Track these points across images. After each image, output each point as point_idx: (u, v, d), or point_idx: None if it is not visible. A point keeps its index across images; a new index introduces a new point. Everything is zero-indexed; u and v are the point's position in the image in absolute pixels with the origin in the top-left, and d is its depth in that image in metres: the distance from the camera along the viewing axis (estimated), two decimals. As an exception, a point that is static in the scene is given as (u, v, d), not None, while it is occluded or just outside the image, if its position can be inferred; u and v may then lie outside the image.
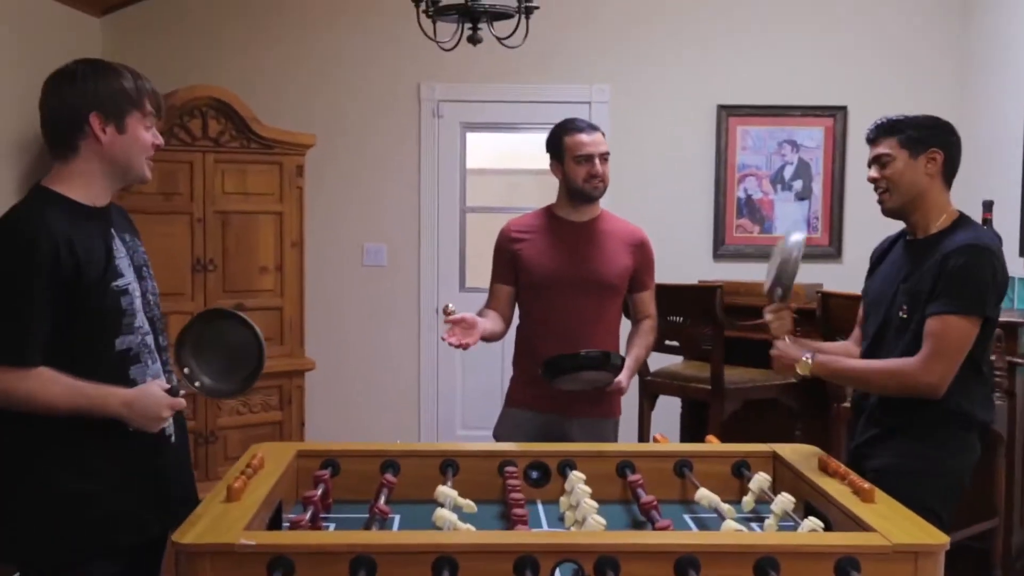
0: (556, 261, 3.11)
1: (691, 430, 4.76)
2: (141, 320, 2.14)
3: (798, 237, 2.67)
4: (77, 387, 2.00)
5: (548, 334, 3.09)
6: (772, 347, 2.70)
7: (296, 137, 4.97)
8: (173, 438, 2.21)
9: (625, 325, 3.31)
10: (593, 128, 3.15)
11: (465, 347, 2.89)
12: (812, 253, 5.42)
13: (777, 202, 5.52)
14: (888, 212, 2.63)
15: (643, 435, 4.38)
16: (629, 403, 4.73)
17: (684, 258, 5.38)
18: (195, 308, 4.78)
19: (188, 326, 2.16)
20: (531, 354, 3.12)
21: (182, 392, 2.11)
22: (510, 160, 6.08)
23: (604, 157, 3.12)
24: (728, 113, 5.44)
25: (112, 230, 2.13)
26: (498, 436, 3.18)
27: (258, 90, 5.22)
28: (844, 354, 2.75)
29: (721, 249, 5.50)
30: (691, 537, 1.99)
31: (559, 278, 3.10)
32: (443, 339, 2.91)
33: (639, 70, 5.46)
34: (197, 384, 2.14)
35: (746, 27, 5.44)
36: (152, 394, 2.06)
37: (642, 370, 4.44)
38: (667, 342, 4.36)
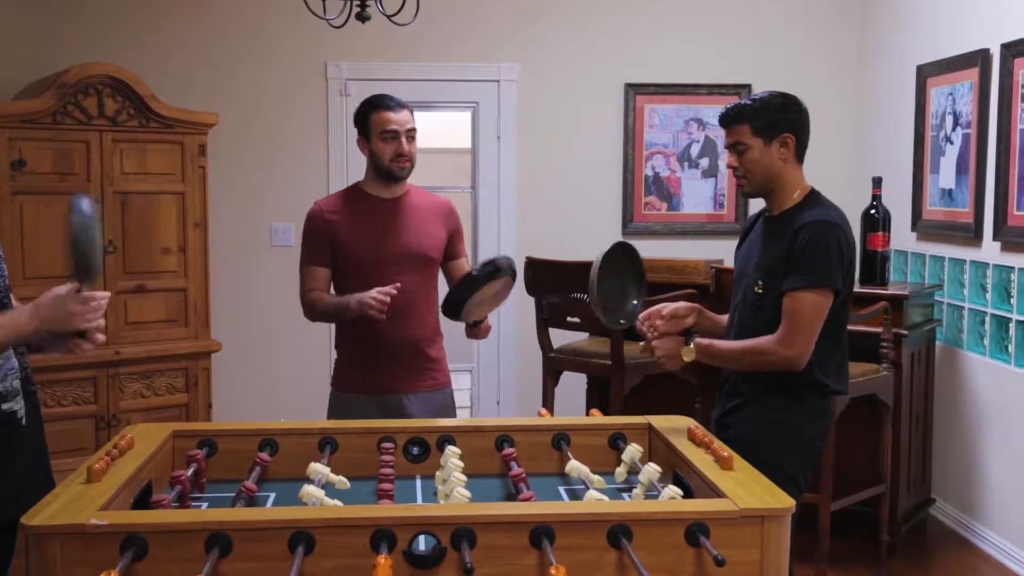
0: (373, 239, 3.11)
1: (596, 405, 4.80)
2: None
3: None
4: None
5: None
6: (646, 346, 2.70)
7: (197, 116, 4.89)
8: (24, 420, 2.18)
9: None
10: (401, 106, 3.11)
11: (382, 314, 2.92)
12: (718, 230, 5.56)
13: (684, 179, 5.59)
14: (748, 195, 2.73)
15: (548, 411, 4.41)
16: (533, 380, 4.81)
17: (593, 236, 5.40)
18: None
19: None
20: (358, 335, 3.11)
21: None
22: (421, 139, 6.06)
23: (410, 134, 3.10)
24: (635, 91, 5.49)
25: None
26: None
27: (160, 69, 5.13)
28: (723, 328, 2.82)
29: (630, 227, 5.56)
30: (545, 507, 2.02)
31: (378, 256, 3.09)
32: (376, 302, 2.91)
33: (547, 49, 5.48)
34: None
35: (653, 5, 5.50)
36: (55, 295, 2.03)
37: (545, 346, 4.48)
38: (569, 319, 4.40)
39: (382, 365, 3.09)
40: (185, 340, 4.93)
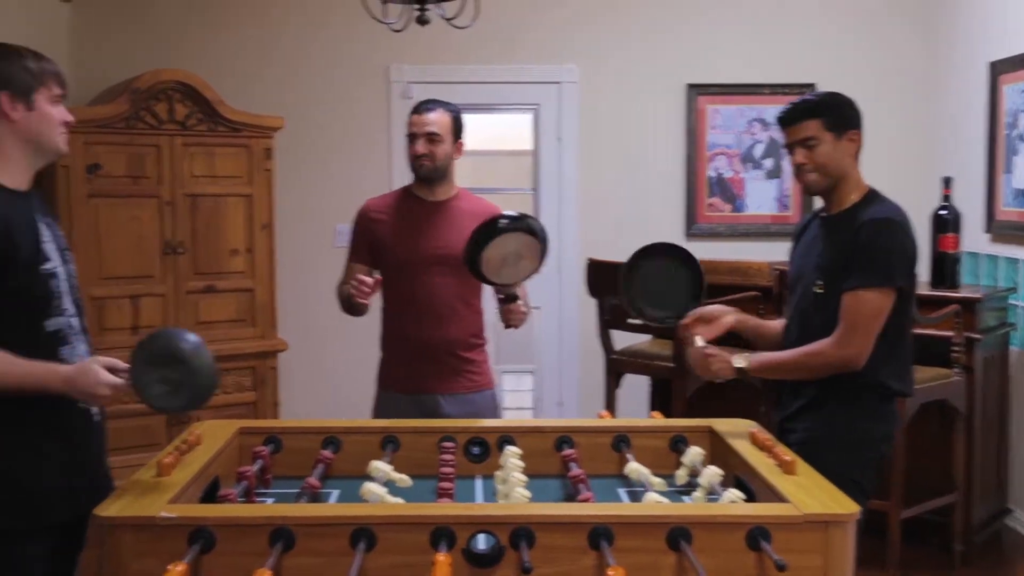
0: (414, 240, 3.12)
1: (659, 407, 4.78)
2: (68, 303, 2.18)
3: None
4: (16, 364, 2.03)
5: (411, 313, 3.12)
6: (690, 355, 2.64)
7: (263, 120, 4.98)
8: (96, 417, 2.25)
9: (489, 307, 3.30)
10: (430, 108, 3.14)
11: (363, 300, 2.94)
12: (783, 231, 5.48)
13: (748, 180, 5.53)
14: (813, 192, 2.66)
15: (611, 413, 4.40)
16: (595, 382, 4.80)
17: (656, 238, 5.26)
18: (165, 291, 4.82)
19: (143, 343, 2.10)
20: (398, 336, 3.17)
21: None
22: (482, 141, 6.09)
23: (430, 137, 3.11)
24: (697, 92, 5.45)
25: (36, 214, 2.16)
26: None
27: (227, 74, 5.23)
28: (772, 333, 2.78)
29: (693, 228, 5.52)
30: (604, 508, 2.02)
31: (418, 257, 3.10)
32: (353, 290, 2.94)
33: (608, 50, 5.47)
34: (146, 395, 2.06)
35: (715, 5, 5.45)
36: (90, 371, 2.06)
37: (607, 347, 4.48)
38: (631, 320, 4.37)
39: (418, 365, 3.12)
40: (252, 340, 5.01)
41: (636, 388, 4.84)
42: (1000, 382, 4.43)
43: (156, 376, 2.06)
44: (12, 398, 2.04)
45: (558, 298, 5.47)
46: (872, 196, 2.62)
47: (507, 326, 3.05)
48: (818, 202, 5.50)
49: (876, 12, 5.45)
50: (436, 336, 3.11)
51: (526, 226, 2.75)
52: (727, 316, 2.66)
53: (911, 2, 5.43)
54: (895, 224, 2.51)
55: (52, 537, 2.15)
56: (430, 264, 3.10)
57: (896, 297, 2.49)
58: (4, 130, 2.10)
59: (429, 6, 3.41)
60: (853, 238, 2.50)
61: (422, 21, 3.43)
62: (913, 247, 2.54)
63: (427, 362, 3.12)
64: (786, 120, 2.62)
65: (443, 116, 3.14)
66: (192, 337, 2.12)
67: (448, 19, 3.52)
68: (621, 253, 4.60)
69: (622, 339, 4.53)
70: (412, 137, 3.13)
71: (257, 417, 4.97)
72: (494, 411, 3.26)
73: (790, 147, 2.63)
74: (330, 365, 5.52)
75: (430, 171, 3.13)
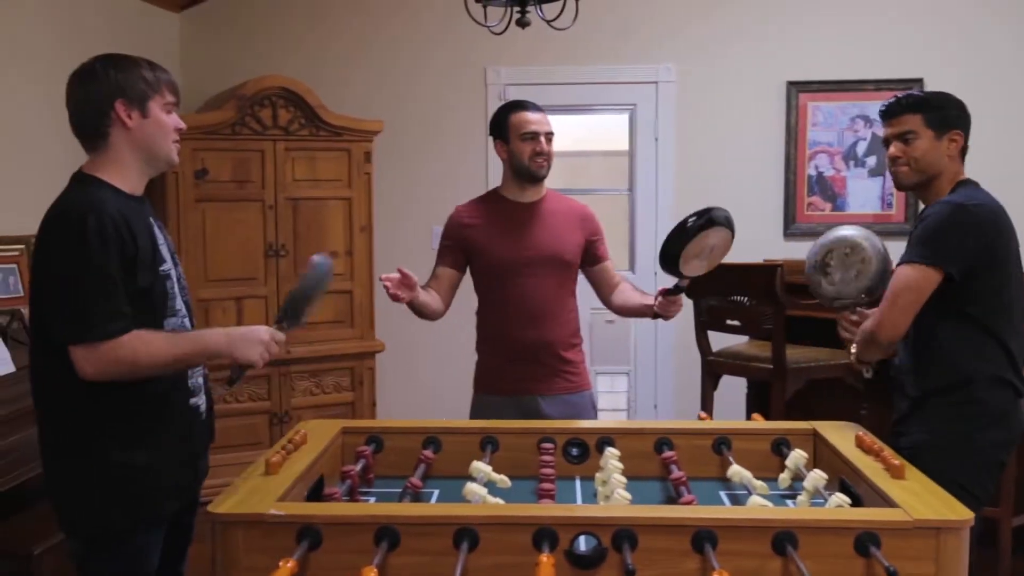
0: (509, 243, 3.11)
1: (756, 410, 4.70)
2: (180, 303, 2.25)
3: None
4: (175, 340, 2.13)
5: (510, 316, 3.11)
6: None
7: (363, 124, 5.07)
8: (204, 415, 2.32)
9: (584, 304, 3.32)
10: (538, 108, 3.15)
11: (396, 298, 2.94)
12: (887, 230, 5.32)
13: (850, 179, 5.41)
14: (902, 187, 2.62)
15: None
16: (690, 383, 4.75)
17: (754, 237, 5.29)
18: (268, 292, 4.94)
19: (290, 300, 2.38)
20: (496, 338, 3.17)
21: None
22: (579, 142, 6.09)
23: (549, 136, 3.11)
24: (798, 89, 5.35)
25: (150, 219, 2.24)
26: None
27: (326, 79, 5.34)
28: None
29: (792, 227, 5.42)
30: (709, 511, 1.99)
31: (514, 259, 3.09)
32: (381, 278, 2.98)
33: (705, 48, 5.41)
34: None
35: (813, 0, 5.33)
36: (242, 341, 2.19)
37: (704, 349, 4.42)
38: (729, 321, 4.32)
39: (516, 367, 3.11)
40: (351, 340, 5.11)
41: (733, 390, 4.77)
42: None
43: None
44: (127, 393, 2.10)
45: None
46: (960, 184, 2.55)
47: (662, 317, 3.00)
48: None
49: (984, 5, 5.26)
50: (534, 337, 3.11)
51: (726, 224, 2.75)
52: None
53: (1022, -8, 5.24)
54: (959, 207, 2.44)
55: (163, 525, 2.23)
56: (525, 265, 3.10)
57: (943, 280, 2.43)
58: (120, 137, 2.17)
59: (529, 8, 3.40)
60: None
61: (522, 24, 3.43)
62: (978, 230, 2.44)
63: (526, 364, 3.12)
64: (887, 113, 2.60)
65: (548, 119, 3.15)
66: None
67: (548, 21, 3.51)
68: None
69: (718, 341, 4.47)
70: (531, 135, 3.10)
71: (355, 416, 5.07)
72: (591, 412, 3.25)
73: (888, 141, 2.60)
74: (424, 366, 5.59)
75: (547, 170, 3.14)
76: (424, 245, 5.60)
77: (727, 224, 2.74)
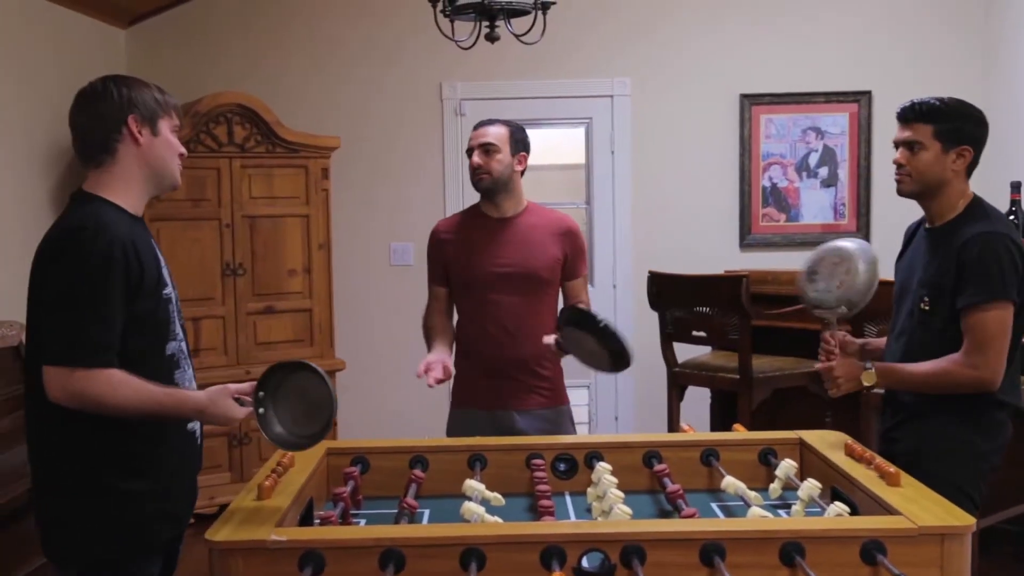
0: (482, 258, 3.09)
1: (720, 420, 4.75)
2: (178, 327, 2.20)
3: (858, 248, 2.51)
4: (148, 392, 2.02)
5: (485, 331, 3.08)
6: (820, 363, 2.61)
7: (320, 140, 5.02)
8: (199, 440, 2.26)
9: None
10: (488, 122, 3.13)
11: (441, 383, 2.91)
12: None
13: (803, 190, 5.49)
14: (905, 193, 2.59)
15: (672, 426, 4.37)
16: (658, 394, 4.77)
17: (710, 249, 5.38)
18: (225, 312, 4.85)
19: (273, 369, 2.13)
20: (469, 354, 3.14)
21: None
22: (535, 156, 6.09)
23: (484, 148, 3.08)
24: (751, 102, 5.42)
25: (151, 240, 2.18)
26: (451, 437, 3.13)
27: (282, 95, 5.27)
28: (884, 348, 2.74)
29: (748, 239, 5.48)
30: (716, 524, 2.00)
31: (487, 275, 3.06)
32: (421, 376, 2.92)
33: (660, 62, 5.46)
34: (276, 431, 2.11)
35: (765, 15, 5.43)
36: (222, 402, 2.09)
37: (670, 361, 4.45)
38: (694, 332, 4.35)
39: (492, 383, 3.08)
40: (311, 360, 5.00)
41: (697, 401, 4.80)
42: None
43: (281, 410, 2.11)
44: (119, 422, 2.04)
45: (612, 311, 5.44)
46: (976, 206, 2.54)
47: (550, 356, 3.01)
48: (877, 212, 5.48)
49: (933, 18, 5.39)
50: (509, 354, 3.08)
51: (615, 356, 2.69)
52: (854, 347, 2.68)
53: (966, 5, 5.38)
54: (1002, 237, 2.43)
55: (159, 552, 2.17)
56: (498, 281, 3.07)
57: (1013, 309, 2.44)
58: (129, 154, 2.12)
59: (499, 22, 3.40)
60: (959, 253, 2.44)
61: (491, 38, 3.42)
62: (1022, 258, 2.45)
63: (501, 379, 3.10)
64: (900, 117, 2.56)
65: (500, 129, 3.11)
66: (332, 387, 2.12)
67: (518, 36, 3.51)
68: (676, 265, 4.63)
69: (683, 352, 4.50)
70: (469, 152, 3.11)
71: (317, 436, 4.98)
72: (570, 427, 3.23)
73: (897, 144, 2.57)
74: (387, 383, 5.53)
75: (489, 184, 3.09)
76: (382, 262, 5.57)
77: (613, 354, 2.68)
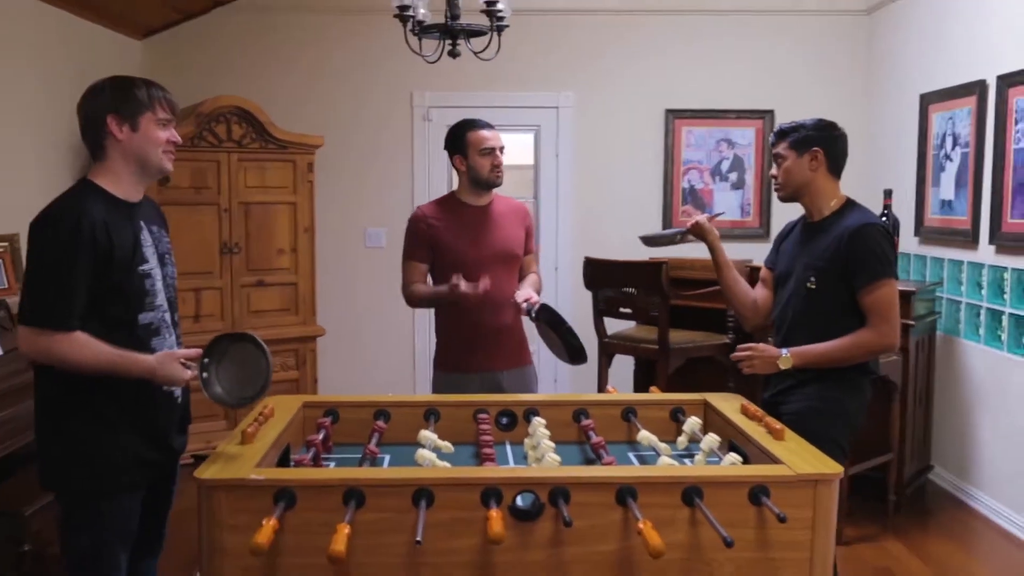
0: (470, 242, 3.06)
1: (641, 383, 4.78)
2: (161, 300, 2.15)
3: None
4: (104, 353, 1.99)
5: (475, 304, 3.00)
6: (737, 352, 2.61)
7: (307, 139, 4.94)
8: (180, 399, 2.22)
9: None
10: (490, 126, 3.10)
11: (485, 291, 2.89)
12: (745, 234, 5.50)
13: (716, 191, 5.52)
14: (782, 199, 2.67)
15: (600, 387, 4.39)
16: (590, 361, 4.77)
17: (637, 239, 5.38)
18: (223, 285, 4.77)
19: (218, 339, 2.10)
20: (463, 323, 3.05)
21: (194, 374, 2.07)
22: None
23: (502, 150, 3.08)
24: (674, 116, 5.43)
25: (141, 222, 2.13)
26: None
27: (274, 99, 5.19)
28: (741, 293, 2.82)
29: (669, 231, 5.49)
30: (630, 471, 2.00)
31: (476, 256, 3.04)
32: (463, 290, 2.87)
33: (599, 79, 5.44)
34: (216, 391, 2.08)
35: (690, 42, 5.43)
36: (167, 365, 2.04)
37: (600, 333, 4.46)
38: (621, 309, 4.36)
39: (484, 347, 3.05)
40: (295, 326, 4.98)
41: (622, 367, 4.82)
42: (927, 361, 4.45)
43: (225, 374, 2.07)
44: (93, 378, 2.01)
45: (554, 291, 5.44)
46: (851, 205, 2.60)
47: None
48: (777, 211, 5.52)
49: (822, 50, 5.44)
50: (496, 322, 3.05)
51: (571, 350, 2.85)
52: (712, 235, 2.81)
53: (854, 39, 5.43)
54: (878, 226, 2.50)
55: (140, 492, 2.13)
56: (486, 260, 3.04)
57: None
58: (114, 148, 2.09)
59: (459, 41, 3.35)
60: (842, 242, 2.48)
61: (453, 54, 3.38)
62: (891, 244, 2.53)
63: (491, 343, 3.06)
64: (771, 140, 2.68)
65: None
66: (269, 357, 2.08)
67: (476, 52, 3.47)
68: (608, 252, 4.63)
69: (611, 325, 4.52)
70: (489, 151, 3.02)
71: (299, 391, 4.94)
72: (535, 383, 3.23)
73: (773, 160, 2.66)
74: (361, 347, 5.49)
75: (503, 180, 3.08)
76: (358, 244, 5.51)
77: (570, 349, 2.86)
